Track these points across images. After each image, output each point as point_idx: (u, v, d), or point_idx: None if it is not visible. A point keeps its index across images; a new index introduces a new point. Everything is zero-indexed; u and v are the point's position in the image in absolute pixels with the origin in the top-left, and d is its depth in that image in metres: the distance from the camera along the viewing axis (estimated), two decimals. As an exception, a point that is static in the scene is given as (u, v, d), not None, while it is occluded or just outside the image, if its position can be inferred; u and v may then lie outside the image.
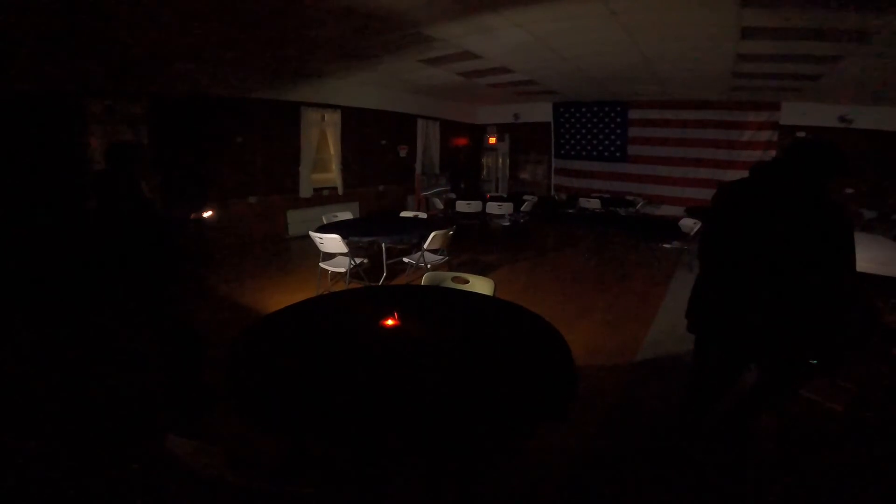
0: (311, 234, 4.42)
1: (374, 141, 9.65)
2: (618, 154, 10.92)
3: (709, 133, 9.71)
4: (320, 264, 4.66)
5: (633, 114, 10.52)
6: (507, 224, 7.67)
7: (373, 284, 4.89)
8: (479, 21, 4.73)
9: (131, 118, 5.86)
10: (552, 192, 11.88)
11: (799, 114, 8.78)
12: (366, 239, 4.56)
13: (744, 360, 2.14)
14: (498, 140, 12.69)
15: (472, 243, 7.46)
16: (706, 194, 9.60)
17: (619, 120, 10.73)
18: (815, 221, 1.80)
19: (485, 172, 12.99)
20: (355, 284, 4.80)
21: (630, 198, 9.94)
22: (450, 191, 10.09)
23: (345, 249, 4.30)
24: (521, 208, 7.92)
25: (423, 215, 5.91)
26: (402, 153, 10.44)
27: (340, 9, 4.16)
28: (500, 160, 12.85)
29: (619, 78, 7.65)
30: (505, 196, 9.26)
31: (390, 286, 4.28)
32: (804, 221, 1.81)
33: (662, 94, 9.23)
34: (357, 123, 9.01)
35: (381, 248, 4.93)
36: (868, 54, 4.80)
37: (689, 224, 6.25)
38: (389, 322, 2.06)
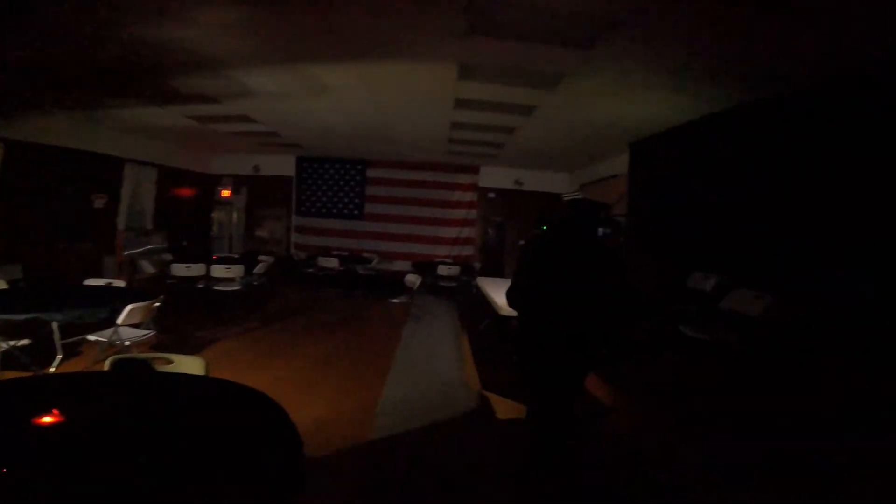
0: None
1: (55, 186, 7.70)
2: (356, 212, 11.76)
3: (429, 193, 11.51)
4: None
5: (371, 172, 11.59)
6: (238, 289, 7.18)
7: (42, 372, 3.80)
8: (230, 71, 4.69)
9: None
10: (292, 252, 11.79)
11: (491, 177, 11.44)
12: (21, 317, 3.53)
13: (559, 367, 2.71)
14: (233, 193, 11.94)
15: (193, 314, 6.69)
16: (428, 250, 11.37)
17: (358, 178, 11.63)
18: (601, 260, 2.63)
19: (215, 229, 11.95)
20: (12, 373, 3.63)
21: (367, 255, 10.77)
22: (166, 250, 8.83)
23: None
24: (255, 270, 7.58)
25: (119, 283, 5.00)
26: (99, 204, 8.64)
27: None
28: (235, 215, 12.09)
29: (361, 136, 8.40)
30: (236, 256, 8.69)
31: (53, 375, 3.43)
32: (593, 260, 2.61)
33: (396, 154, 10.53)
34: (27, 163, 7.05)
35: (52, 325, 3.91)
36: (532, 126, 6.65)
37: (413, 279, 7.19)
38: (47, 419, 1.68)
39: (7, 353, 3.65)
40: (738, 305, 4.04)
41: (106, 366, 2.46)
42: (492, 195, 11.57)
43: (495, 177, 11.41)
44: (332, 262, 9.63)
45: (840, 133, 3.69)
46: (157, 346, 4.76)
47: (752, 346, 3.62)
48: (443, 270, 9.18)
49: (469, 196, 11.56)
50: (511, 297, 2.82)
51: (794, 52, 3.39)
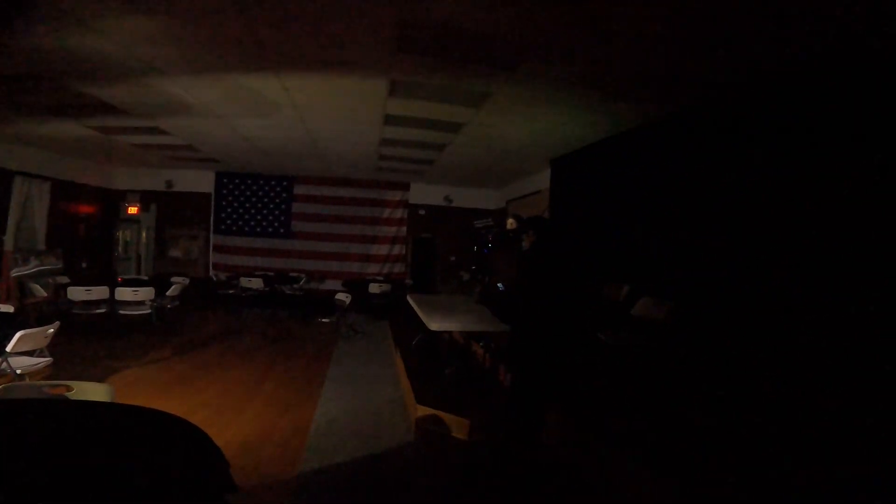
0: None
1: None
2: (282, 230, 11.49)
3: (360, 210, 11.52)
4: None
5: (299, 189, 11.41)
6: (149, 312, 6.78)
7: None
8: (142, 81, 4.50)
9: None
10: (211, 273, 11.26)
11: (421, 194, 11.67)
12: None
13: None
14: (142, 210, 11.24)
15: (96, 340, 6.22)
16: (359, 268, 11.33)
17: (284, 195, 11.40)
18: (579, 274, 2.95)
19: (121, 249, 11.15)
20: None
21: (294, 274, 10.53)
22: (61, 271, 8.13)
23: None
24: (168, 292, 7.19)
25: (6, 308, 4.59)
26: (-21, 222, 7.81)
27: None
28: (144, 234, 11.37)
29: (287, 152, 8.28)
30: (146, 278, 8.17)
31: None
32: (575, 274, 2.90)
33: (324, 170, 10.45)
34: None
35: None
36: (460, 143, 6.91)
37: (343, 298, 7.17)
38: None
39: None
40: (645, 312, 4.49)
41: (-4, 395, 2.30)
42: (422, 212, 11.80)
43: (425, 193, 11.66)
44: (255, 283, 9.32)
45: (726, 148, 4.23)
46: (56, 374, 4.41)
47: (659, 349, 4.03)
48: (374, 288, 9.22)
49: (400, 213, 11.69)
50: (509, 312, 3.04)
51: (694, 70, 3.79)
